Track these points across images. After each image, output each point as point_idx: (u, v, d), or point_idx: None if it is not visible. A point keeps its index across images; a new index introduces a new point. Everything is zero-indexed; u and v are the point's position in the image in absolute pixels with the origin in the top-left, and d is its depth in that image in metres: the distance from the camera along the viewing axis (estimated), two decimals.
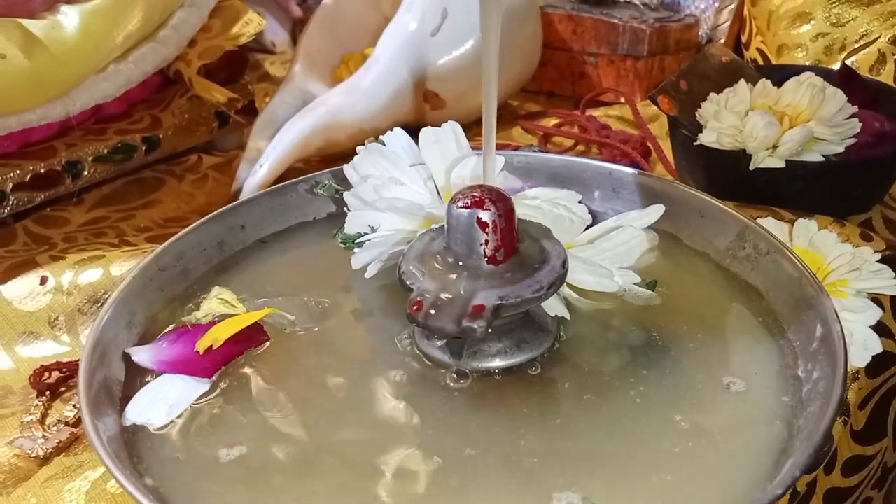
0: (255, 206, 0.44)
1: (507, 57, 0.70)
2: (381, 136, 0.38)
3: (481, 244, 0.32)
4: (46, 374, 0.43)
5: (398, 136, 0.38)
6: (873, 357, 0.43)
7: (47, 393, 0.42)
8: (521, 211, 0.35)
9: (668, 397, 0.32)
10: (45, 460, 0.38)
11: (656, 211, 0.36)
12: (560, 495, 0.28)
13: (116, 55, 0.58)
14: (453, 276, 0.32)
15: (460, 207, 0.31)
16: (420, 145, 0.37)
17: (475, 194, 0.31)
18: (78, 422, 0.40)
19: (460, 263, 0.33)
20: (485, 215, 0.31)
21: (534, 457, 0.29)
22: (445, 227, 0.33)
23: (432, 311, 0.30)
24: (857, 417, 0.47)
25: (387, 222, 0.38)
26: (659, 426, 0.30)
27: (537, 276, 0.32)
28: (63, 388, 0.43)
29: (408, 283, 0.32)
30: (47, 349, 0.45)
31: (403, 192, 0.37)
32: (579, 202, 0.36)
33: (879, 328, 0.42)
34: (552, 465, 0.29)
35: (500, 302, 0.31)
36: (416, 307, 0.31)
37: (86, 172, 0.60)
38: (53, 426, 0.40)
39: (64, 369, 0.43)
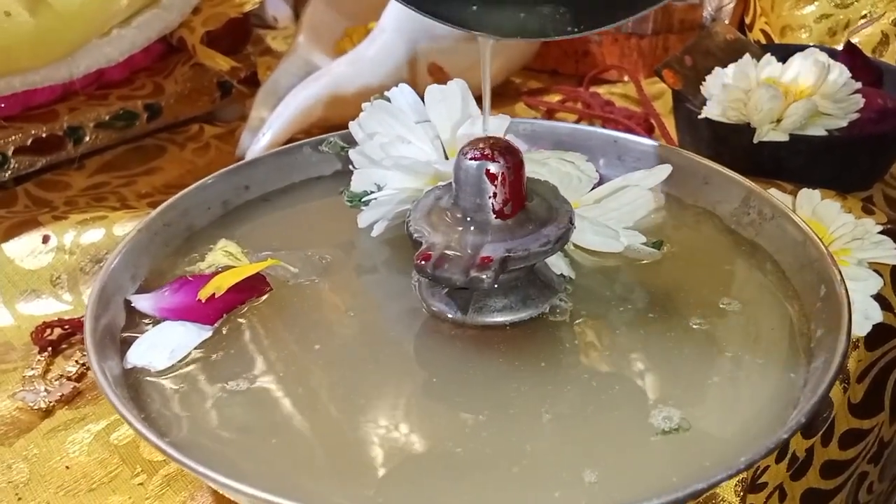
0: (260, 167, 0.44)
1: None
2: (386, 93, 0.38)
3: (489, 197, 0.32)
4: (49, 331, 0.43)
5: (404, 93, 0.38)
6: (873, 329, 0.44)
7: (49, 349, 0.42)
8: (529, 168, 0.35)
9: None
10: (47, 413, 0.38)
11: (663, 171, 0.37)
12: (661, 409, 0.29)
13: (120, 19, 0.58)
14: (461, 230, 0.32)
15: (469, 159, 0.31)
16: (426, 103, 0.37)
17: (484, 146, 0.31)
18: (80, 377, 0.40)
19: (468, 218, 0.33)
20: (493, 167, 0.31)
21: (613, 384, 0.30)
22: (453, 180, 0.33)
23: (440, 262, 0.31)
24: (856, 390, 0.48)
25: (393, 180, 0.37)
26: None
27: (544, 231, 0.32)
28: (65, 346, 0.43)
29: (415, 236, 0.32)
30: (49, 307, 0.45)
31: (409, 150, 0.37)
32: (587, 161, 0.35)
33: (879, 301, 0.42)
34: (632, 391, 0.30)
35: (507, 254, 0.31)
36: (424, 258, 0.31)
37: (87, 138, 0.60)
38: (55, 380, 0.40)
39: (66, 326, 0.43)
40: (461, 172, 0.32)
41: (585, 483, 0.26)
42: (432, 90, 0.37)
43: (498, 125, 0.35)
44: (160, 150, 0.63)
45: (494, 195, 0.31)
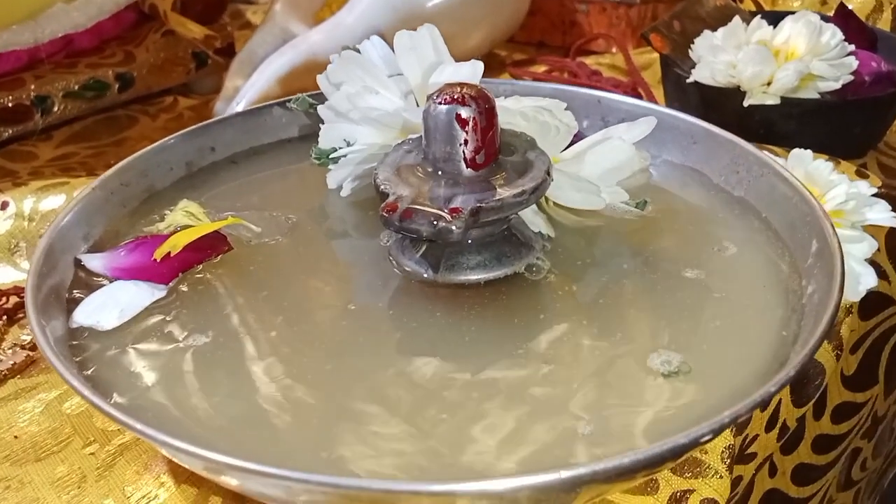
0: (227, 128, 0.42)
1: (495, 3, 0.68)
2: (357, 45, 0.36)
3: (460, 144, 0.30)
4: (4, 299, 0.41)
5: (375, 45, 0.36)
6: (867, 298, 0.42)
7: (4, 317, 0.40)
8: (505, 118, 0.33)
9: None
10: None
11: (647, 123, 0.35)
12: (657, 354, 0.28)
13: None
14: (431, 182, 0.30)
15: (438, 104, 0.29)
16: (395, 51, 0.35)
17: (454, 91, 0.29)
18: (34, 345, 0.38)
19: (439, 170, 0.31)
20: (464, 112, 0.29)
21: (620, 327, 0.29)
22: (423, 128, 0.31)
23: (407, 214, 0.29)
24: (849, 362, 0.46)
25: (362, 136, 0.36)
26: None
27: (520, 182, 0.30)
28: (21, 315, 0.41)
29: (382, 188, 0.30)
30: (6, 275, 0.43)
31: (378, 101, 0.35)
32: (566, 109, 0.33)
33: (874, 267, 0.41)
34: (631, 337, 0.29)
35: (478, 205, 0.29)
36: (390, 209, 0.29)
37: (56, 108, 0.58)
38: (9, 349, 0.38)
39: (22, 294, 0.41)
40: (430, 119, 0.30)
41: (579, 435, 0.25)
42: (401, 36, 0.35)
43: (471, 72, 0.33)
44: (131, 120, 0.61)
45: (465, 142, 0.29)
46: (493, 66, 0.70)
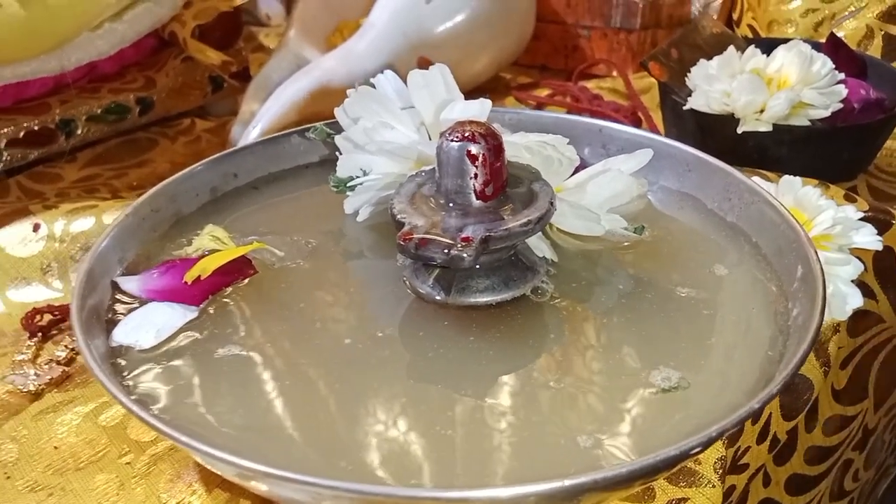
0: (249, 155, 0.44)
1: (500, 29, 0.71)
2: (371, 80, 0.39)
3: (471, 178, 0.32)
4: (39, 317, 0.43)
5: (389, 79, 0.39)
6: (856, 316, 0.44)
7: (39, 334, 0.43)
8: (511, 152, 0.35)
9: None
10: (36, 396, 0.39)
11: (644, 155, 0.37)
12: (658, 371, 0.30)
13: (111, 13, 0.59)
14: (443, 212, 0.33)
15: (450, 141, 0.32)
16: (409, 89, 0.38)
17: (465, 129, 0.32)
18: (69, 361, 0.41)
19: (451, 201, 0.33)
20: (474, 148, 0.32)
21: (621, 346, 0.32)
22: (436, 163, 0.33)
23: (423, 242, 0.31)
24: (839, 377, 0.48)
25: (378, 165, 0.38)
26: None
27: (525, 212, 0.32)
28: (54, 331, 0.43)
29: (399, 217, 0.33)
30: (39, 294, 0.46)
31: (393, 135, 0.37)
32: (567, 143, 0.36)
33: (862, 287, 0.43)
34: (634, 355, 0.31)
35: (488, 234, 0.31)
36: (406, 237, 0.31)
37: (79, 131, 0.60)
38: (45, 364, 0.40)
39: (56, 312, 0.44)
40: (443, 154, 0.32)
41: (581, 448, 0.27)
42: (414, 75, 0.37)
43: (479, 110, 0.36)
44: (152, 143, 0.64)
45: (475, 176, 0.32)
46: (499, 88, 0.73)
